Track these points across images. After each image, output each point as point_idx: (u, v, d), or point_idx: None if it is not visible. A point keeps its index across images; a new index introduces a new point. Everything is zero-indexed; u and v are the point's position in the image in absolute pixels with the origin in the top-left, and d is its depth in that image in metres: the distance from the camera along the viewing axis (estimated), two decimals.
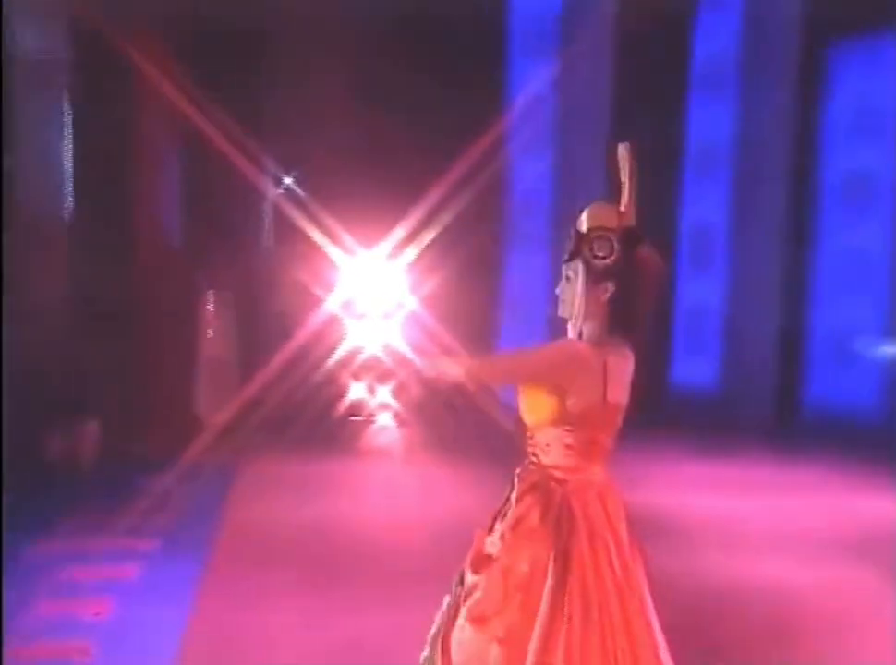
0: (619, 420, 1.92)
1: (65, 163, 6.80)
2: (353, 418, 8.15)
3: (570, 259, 1.86)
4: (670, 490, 6.13)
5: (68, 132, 6.90)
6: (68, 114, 6.90)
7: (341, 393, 7.94)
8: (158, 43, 7.22)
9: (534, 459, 1.90)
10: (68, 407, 6.02)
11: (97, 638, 3.20)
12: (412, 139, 7.78)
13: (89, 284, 6.74)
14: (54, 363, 5.98)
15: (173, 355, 6.83)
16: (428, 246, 7.12)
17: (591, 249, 1.81)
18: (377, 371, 7.99)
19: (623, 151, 1.89)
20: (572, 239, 1.88)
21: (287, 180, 8.18)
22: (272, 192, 8.10)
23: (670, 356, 9.07)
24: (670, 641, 1.96)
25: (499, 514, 1.90)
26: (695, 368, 8.85)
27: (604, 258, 1.81)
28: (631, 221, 1.86)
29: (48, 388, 5.87)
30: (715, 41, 8.49)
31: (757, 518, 5.57)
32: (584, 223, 1.86)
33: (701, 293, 8.78)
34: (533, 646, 1.73)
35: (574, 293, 1.85)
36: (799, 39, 7.98)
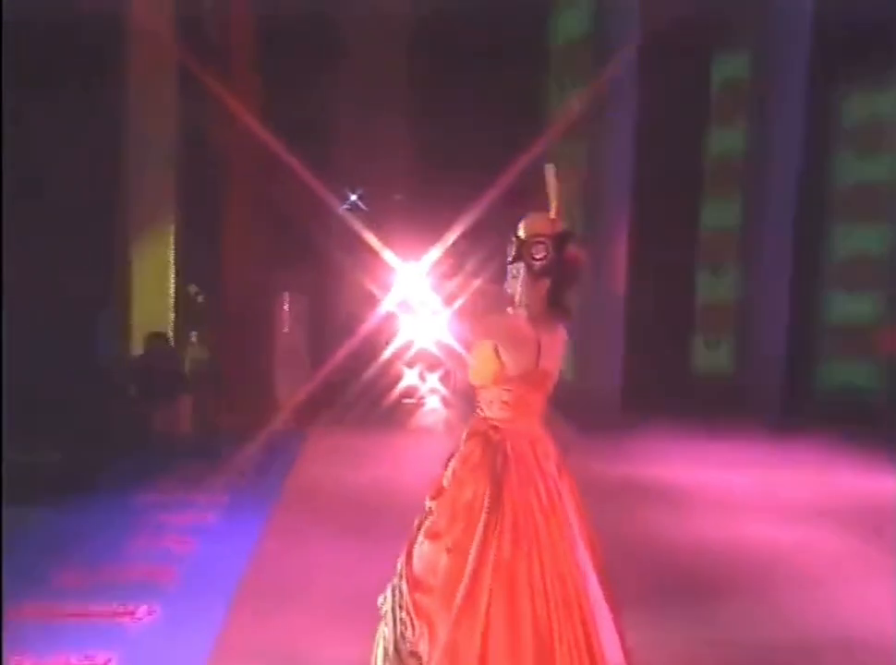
0: (549, 385, 2.19)
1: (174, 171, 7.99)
2: (405, 401, 9.11)
3: (513, 261, 2.14)
4: (682, 465, 6.57)
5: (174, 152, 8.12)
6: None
7: (396, 380, 8.89)
8: (252, 78, 8.31)
9: (479, 412, 2.20)
10: (172, 386, 7.18)
11: (181, 567, 3.85)
12: (458, 158, 8.59)
13: (188, 288, 7.97)
14: (162, 351, 7.18)
15: (255, 345, 7.93)
16: (470, 253, 7.84)
17: (530, 253, 2.10)
18: (427, 361, 8.93)
19: (549, 172, 2.19)
20: (514, 244, 2.15)
21: (352, 198, 9.30)
22: (340, 208, 9.10)
23: (691, 347, 9.54)
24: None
25: (452, 456, 2.21)
26: (712, 358, 9.33)
27: (541, 260, 2.09)
28: (559, 227, 2.13)
29: (158, 371, 7.06)
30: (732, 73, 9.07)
31: (757, 489, 6.03)
32: (523, 230, 2.14)
33: (718, 291, 9.31)
34: (471, 556, 2.02)
35: (517, 288, 2.14)
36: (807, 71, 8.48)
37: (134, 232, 7.42)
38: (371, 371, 7.85)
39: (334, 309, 8.81)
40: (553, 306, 2.12)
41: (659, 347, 8.78)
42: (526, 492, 2.10)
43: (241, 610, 3.33)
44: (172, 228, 7.71)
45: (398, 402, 8.74)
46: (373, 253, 7.89)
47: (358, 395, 7.63)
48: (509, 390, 2.11)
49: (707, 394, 8.75)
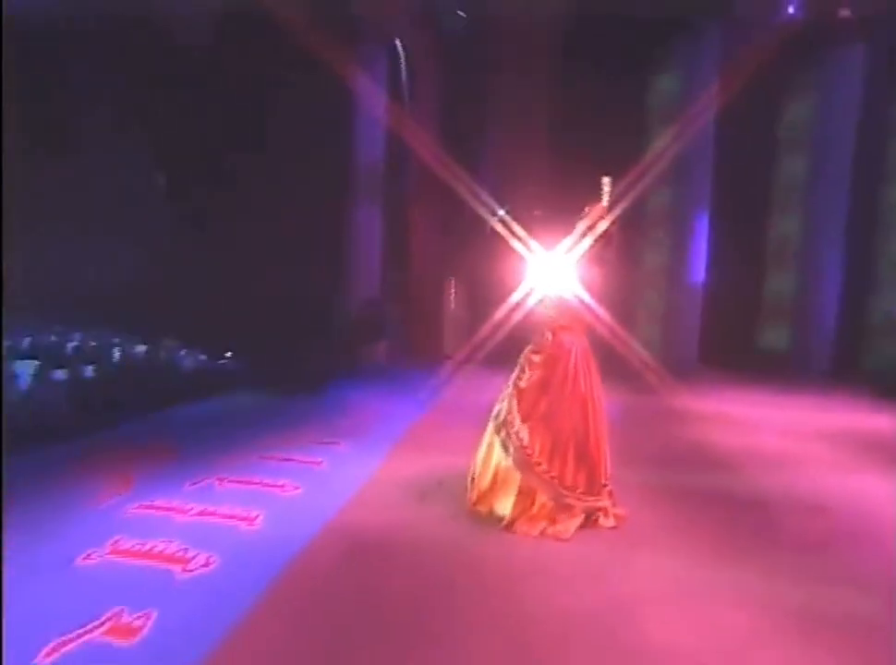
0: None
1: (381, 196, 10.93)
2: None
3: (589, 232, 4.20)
4: (736, 404, 8.37)
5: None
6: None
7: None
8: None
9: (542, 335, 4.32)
10: (377, 336, 10.30)
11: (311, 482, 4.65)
12: (585, 171, 10.85)
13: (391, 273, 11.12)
14: (374, 312, 10.37)
15: (433, 313, 10.95)
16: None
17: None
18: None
19: (605, 181, 4.11)
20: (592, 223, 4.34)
21: (501, 212, 11.85)
22: (492, 220, 11.76)
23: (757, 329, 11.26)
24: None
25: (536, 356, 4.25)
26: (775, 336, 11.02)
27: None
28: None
29: (370, 324, 10.22)
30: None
31: (780, 419, 7.55)
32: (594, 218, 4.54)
33: (783, 286, 10.99)
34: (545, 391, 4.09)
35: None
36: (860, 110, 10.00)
37: (361, 236, 10.72)
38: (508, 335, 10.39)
39: (486, 292, 11.46)
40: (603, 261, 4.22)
41: (731, 328, 10.71)
42: (575, 373, 4.08)
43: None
44: (378, 235, 10.92)
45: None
46: (516, 253, 10.60)
47: (498, 349, 10.24)
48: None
49: (767, 367, 10.49)
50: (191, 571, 3.27)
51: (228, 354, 9.96)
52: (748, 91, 9.56)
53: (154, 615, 2.80)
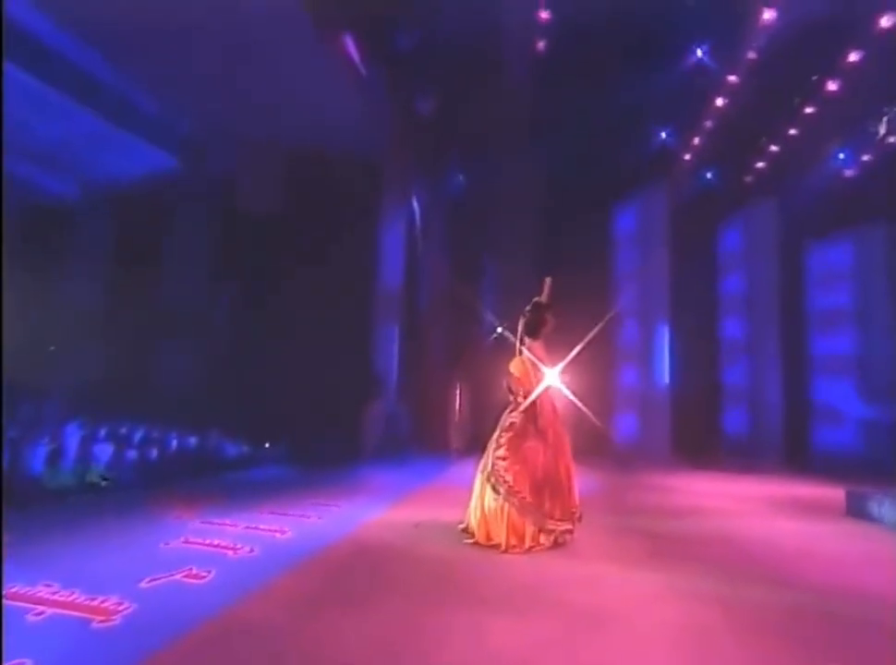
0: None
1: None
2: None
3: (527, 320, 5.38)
4: (705, 495, 8.76)
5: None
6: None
7: None
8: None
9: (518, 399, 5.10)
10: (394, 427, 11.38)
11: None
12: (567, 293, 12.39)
13: (406, 382, 12.35)
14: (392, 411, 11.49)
15: (442, 411, 12.02)
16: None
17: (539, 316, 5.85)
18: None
19: (546, 282, 5.22)
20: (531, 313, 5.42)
21: (499, 330, 13.29)
22: (492, 336, 13.18)
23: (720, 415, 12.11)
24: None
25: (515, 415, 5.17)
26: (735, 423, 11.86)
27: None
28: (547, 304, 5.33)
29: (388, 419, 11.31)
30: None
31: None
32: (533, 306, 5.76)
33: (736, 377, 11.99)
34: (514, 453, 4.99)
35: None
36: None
37: (379, 343, 12.11)
38: None
39: (488, 394, 12.61)
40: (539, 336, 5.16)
41: (697, 418, 11.59)
42: (545, 426, 5.05)
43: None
44: (396, 342, 12.32)
45: None
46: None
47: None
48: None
49: (729, 450, 11.25)
50: (239, 554, 4.19)
51: (267, 445, 11.01)
52: (692, 225, 11.26)
53: (213, 572, 3.73)
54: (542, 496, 4.69)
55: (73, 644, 2.70)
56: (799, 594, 3.75)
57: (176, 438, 10.35)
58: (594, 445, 8.33)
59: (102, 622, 2.92)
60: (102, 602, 3.12)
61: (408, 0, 9.69)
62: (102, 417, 10.29)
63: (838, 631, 3.16)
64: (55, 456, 7.76)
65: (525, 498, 4.66)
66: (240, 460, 10.29)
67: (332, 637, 2.85)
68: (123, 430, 10.35)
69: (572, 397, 5.15)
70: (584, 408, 5.29)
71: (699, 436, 11.56)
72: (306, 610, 3.22)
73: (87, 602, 3.12)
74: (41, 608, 3.03)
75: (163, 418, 10.82)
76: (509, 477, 4.70)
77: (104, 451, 8.59)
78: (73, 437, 8.77)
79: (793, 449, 11.12)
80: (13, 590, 3.19)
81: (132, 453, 8.88)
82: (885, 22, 8.33)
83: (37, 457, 7.60)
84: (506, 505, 4.69)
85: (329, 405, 10.84)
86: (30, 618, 2.92)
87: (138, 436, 10.15)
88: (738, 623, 3.18)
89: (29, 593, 3.19)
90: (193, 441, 10.56)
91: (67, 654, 2.61)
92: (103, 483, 7.59)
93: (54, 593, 3.21)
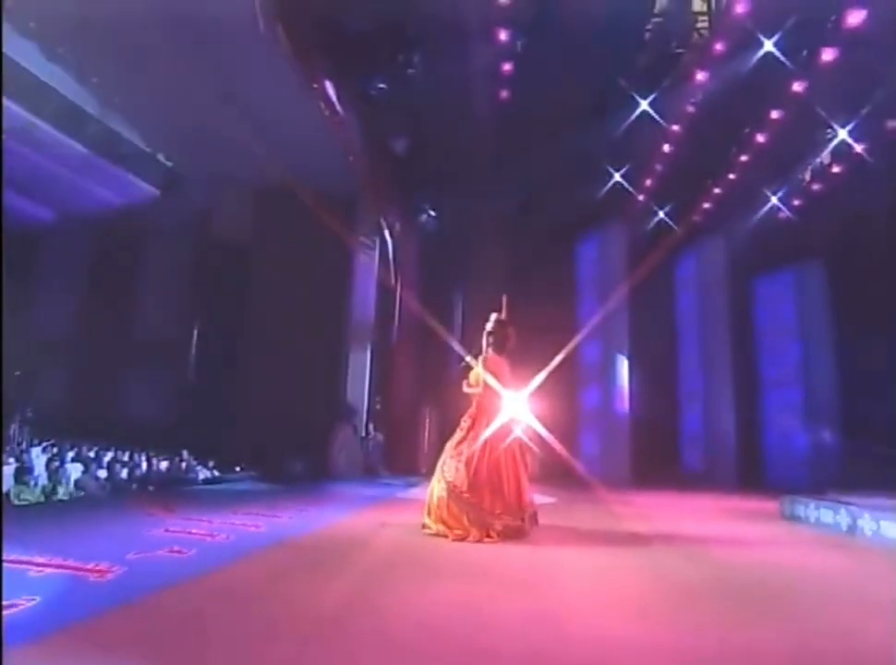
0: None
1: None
2: None
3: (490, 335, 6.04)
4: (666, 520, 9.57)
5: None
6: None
7: None
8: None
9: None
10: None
11: None
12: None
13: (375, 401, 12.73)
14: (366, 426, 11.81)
15: (408, 436, 12.40)
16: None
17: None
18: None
19: (504, 300, 6.14)
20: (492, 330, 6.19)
21: (467, 358, 13.89)
22: (460, 363, 13.75)
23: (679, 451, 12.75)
24: None
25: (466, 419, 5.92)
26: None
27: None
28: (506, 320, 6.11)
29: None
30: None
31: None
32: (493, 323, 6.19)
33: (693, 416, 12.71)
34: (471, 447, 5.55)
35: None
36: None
37: (350, 371, 12.51)
38: None
39: (455, 422, 13.02)
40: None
41: (656, 452, 12.19)
42: (485, 425, 5.91)
43: None
44: (368, 370, 12.72)
45: None
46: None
47: None
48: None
49: (687, 482, 11.84)
50: (217, 539, 4.55)
51: (238, 468, 11.20)
52: (649, 258, 12.09)
53: (194, 551, 4.09)
54: (481, 494, 5.21)
55: (74, 591, 3.05)
56: (726, 570, 4.25)
57: (146, 460, 10.50)
58: (556, 467, 8.74)
59: (96, 577, 3.27)
60: (96, 566, 3.46)
61: (387, 49, 10.51)
62: (69, 441, 10.42)
63: (762, 593, 3.64)
64: (21, 474, 7.89)
65: (462, 493, 5.20)
66: (212, 481, 10.46)
67: (301, 598, 3.21)
68: (90, 454, 10.46)
69: (536, 424, 5.62)
70: (547, 434, 5.74)
71: (660, 465, 12.14)
72: (279, 575, 3.62)
73: (81, 565, 3.46)
74: (40, 568, 3.35)
75: (132, 443, 10.97)
76: (451, 474, 5.29)
77: (74, 469, 8.75)
78: (38, 459, 8.95)
79: (746, 469, 11.76)
80: (10, 558, 3.50)
81: (102, 473, 9.03)
82: (797, 87, 9.56)
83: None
84: (447, 497, 5.25)
85: (300, 429, 11.15)
86: (32, 574, 3.25)
87: (107, 457, 10.27)
88: (667, 591, 3.63)
89: (26, 559, 3.51)
90: (164, 464, 10.70)
91: (70, 597, 2.95)
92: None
93: (50, 560, 3.54)
